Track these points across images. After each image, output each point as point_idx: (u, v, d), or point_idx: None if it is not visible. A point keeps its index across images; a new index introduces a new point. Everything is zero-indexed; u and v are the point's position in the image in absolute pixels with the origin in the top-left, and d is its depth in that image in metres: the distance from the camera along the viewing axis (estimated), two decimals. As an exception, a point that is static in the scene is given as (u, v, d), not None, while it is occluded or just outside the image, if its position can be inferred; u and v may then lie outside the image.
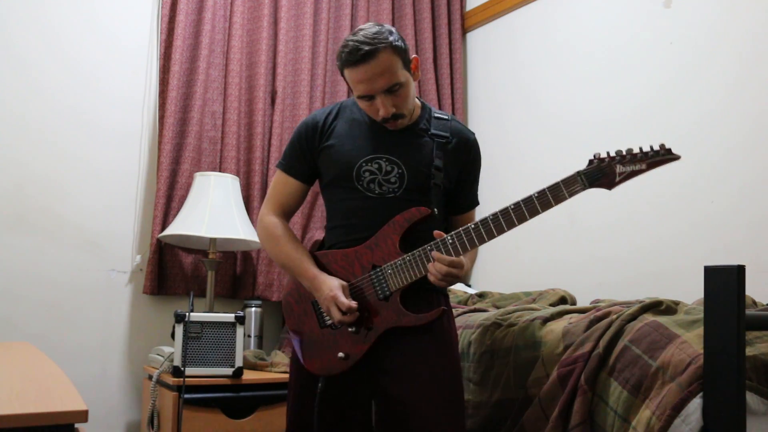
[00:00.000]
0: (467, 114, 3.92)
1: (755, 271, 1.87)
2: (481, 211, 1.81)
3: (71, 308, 2.98)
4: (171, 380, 2.62)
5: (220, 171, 3.21)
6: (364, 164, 1.83)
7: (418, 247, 1.74)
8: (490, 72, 3.81)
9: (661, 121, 2.87)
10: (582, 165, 1.64)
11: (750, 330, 1.54)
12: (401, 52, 1.75)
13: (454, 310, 2.40)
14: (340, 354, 1.79)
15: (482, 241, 1.70)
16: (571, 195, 1.62)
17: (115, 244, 3.09)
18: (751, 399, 1.50)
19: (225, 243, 3.05)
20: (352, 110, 1.92)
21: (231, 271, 3.24)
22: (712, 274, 1.47)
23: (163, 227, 3.06)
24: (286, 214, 1.96)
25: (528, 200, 1.65)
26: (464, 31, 3.97)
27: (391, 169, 1.82)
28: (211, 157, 3.25)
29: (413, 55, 1.82)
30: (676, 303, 1.90)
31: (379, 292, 1.78)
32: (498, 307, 2.54)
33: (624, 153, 1.59)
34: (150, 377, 2.76)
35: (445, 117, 1.93)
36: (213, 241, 2.94)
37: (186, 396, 2.57)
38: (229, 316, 2.74)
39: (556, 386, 1.79)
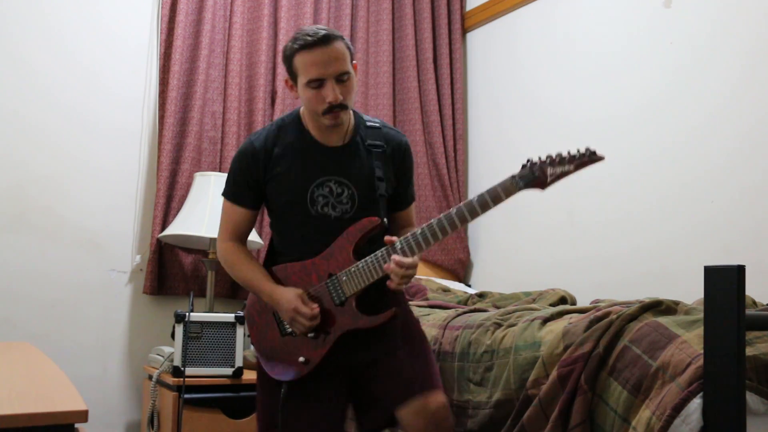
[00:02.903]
0: (467, 114, 3.92)
1: (755, 271, 1.87)
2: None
3: (71, 308, 2.98)
4: (171, 380, 2.62)
5: (220, 171, 3.21)
6: (315, 189, 1.88)
7: (369, 253, 1.82)
8: (490, 72, 3.81)
9: (661, 121, 2.87)
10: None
11: (750, 330, 1.54)
12: (350, 49, 1.84)
13: (453, 311, 2.42)
14: (301, 359, 1.87)
15: (428, 244, 1.79)
16: (507, 196, 1.76)
17: (115, 244, 3.10)
18: (751, 399, 1.50)
19: (225, 243, 3.05)
20: (288, 133, 1.93)
21: (231, 271, 3.24)
22: (712, 274, 1.47)
23: (163, 227, 3.06)
24: (241, 238, 2.02)
25: (468, 204, 1.76)
26: (464, 31, 3.97)
27: (342, 190, 1.89)
28: (211, 157, 3.25)
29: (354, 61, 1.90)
30: (676, 303, 1.89)
31: (335, 298, 1.85)
32: (498, 307, 2.54)
33: (553, 156, 1.72)
34: (150, 377, 2.76)
35: (377, 125, 1.98)
36: (213, 241, 2.94)
37: (186, 396, 2.57)
38: (229, 316, 2.74)
39: (556, 386, 1.79)
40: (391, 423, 1.89)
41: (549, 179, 1.73)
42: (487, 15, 3.81)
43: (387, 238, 1.80)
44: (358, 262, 1.82)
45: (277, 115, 3.39)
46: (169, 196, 3.12)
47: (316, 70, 1.78)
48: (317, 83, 1.79)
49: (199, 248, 3.13)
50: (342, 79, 1.80)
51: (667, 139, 2.84)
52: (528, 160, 1.74)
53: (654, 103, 2.90)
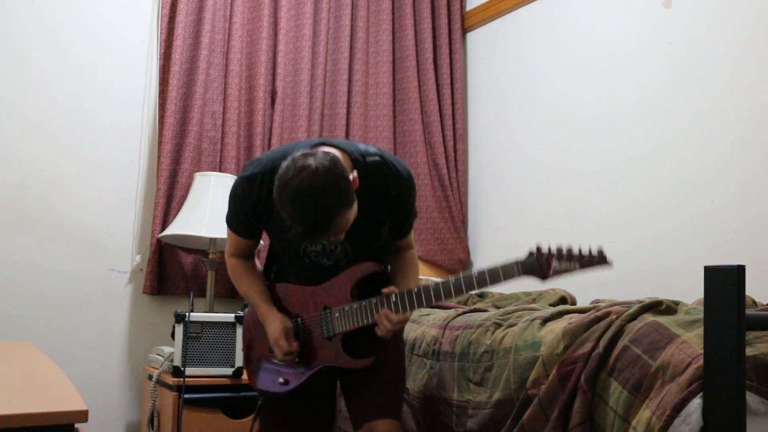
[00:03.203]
0: (467, 114, 3.92)
1: (755, 271, 1.87)
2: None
3: (72, 308, 2.98)
4: (171, 380, 2.62)
5: (220, 171, 3.21)
6: (308, 246, 1.92)
7: (367, 293, 1.87)
8: (489, 72, 3.81)
9: (661, 119, 2.87)
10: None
11: (750, 330, 1.54)
12: (351, 197, 1.67)
13: (453, 311, 2.42)
14: (280, 380, 1.95)
15: (421, 306, 1.82)
16: (506, 279, 1.76)
17: (115, 244, 3.10)
18: (751, 399, 1.50)
19: (225, 243, 3.04)
20: None
21: (231, 271, 3.24)
22: (712, 274, 1.47)
23: (163, 227, 3.06)
24: (245, 256, 2.07)
25: (468, 278, 1.78)
26: (464, 31, 3.97)
27: (335, 247, 1.91)
28: (211, 157, 3.25)
29: (353, 175, 1.71)
30: (676, 303, 1.89)
31: (325, 331, 1.93)
32: (498, 307, 2.54)
33: (563, 251, 1.72)
34: (150, 377, 2.76)
35: (377, 159, 1.86)
36: (213, 241, 2.94)
37: (186, 396, 2.57)
38: (229, 316, 2.74)
39: (556, 386, 1.79)
40: None
41: (551, 273, 1.73)
42: (487, 15, 3.81)
43: (384, 290, 1.84)
44: (353, 303, 1.87)
45: (277, 114, 3.39)
46: (169, 196, 3.12)
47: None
48: None
49: (199, 248, 3.13)
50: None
51: (666, 137, 2.84)
52: (537, 248, 1.74)
53: (654, 101, 2.91)
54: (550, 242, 1.73)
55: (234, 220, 1.97)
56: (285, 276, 2.02)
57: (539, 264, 1.73)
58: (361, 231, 1.87)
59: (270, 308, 1.96)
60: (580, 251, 1.71)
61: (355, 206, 1.73)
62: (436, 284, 1.81)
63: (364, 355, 1.90)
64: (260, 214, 1.89)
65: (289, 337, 1.92)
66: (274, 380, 1.97)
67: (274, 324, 1.93)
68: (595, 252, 1.70)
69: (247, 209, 1.89)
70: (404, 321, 1.85)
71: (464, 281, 1.78)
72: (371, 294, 1.86)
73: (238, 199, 1.90)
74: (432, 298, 1.81)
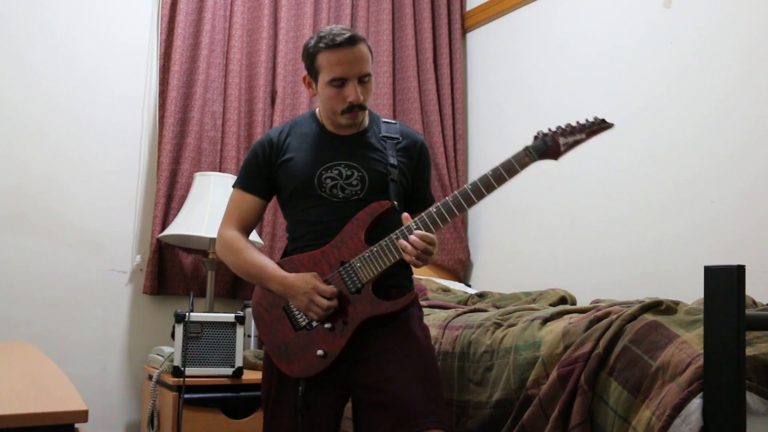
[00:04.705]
0: (467, 114, 3.92)
1: (755, 271, 1.87)
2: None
3: (71, 308, 2.98)
4: (171, 380, 2.62)
5: (220, 171, 3.21)
6: (324, 172, 1.88)
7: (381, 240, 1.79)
8: (489, 72, 3.81)
9: (661, 121, 2.87)
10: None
11: (750, 330, 1.54)
12: (371, 52, 1.88)
13: (453, 311, 2.42)
14: (319, 352, 1.80)
15: (445, 222, 1.77)
16: (522, 168, 1.75)
17: (115, 244, 3.10)
18: (751, 399, 1.50)
19: (225, 243, 3.04)
20: (302, 126, 1.97)
21: (231, 271, 3.22)
22: (712, 274, 1.47)
23: (163, 227, 3.06)
24: (245, 230, 1.98)
25: (483, 178, 1.75)
26: (464, 31, 3.97)
27: (351, 173, 1.88)
28: (211, 157, 3.25)
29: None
30: (676, 303, 1.89)
31: (351, 285, 1.80)
32: (498, 307, 2.54)
33: (564, 126, 1.74)
34: (150, 377, 2.76)
35: (393, 122, 2.02)
36: (213, 241, 2.94)
37: (186, 396, 2.57)
38: (229, 316, 2.74)
39: (556, 386, 1.79)
40: None
41: (562, 149, 1.73)
42: (487, 15, 3.81)
43: (405, 215, 1.77)
44: (372, 247, 1.78)
45: (277, 114, 3.39)
46: (169, 196, 3.12)
47: (340, 69, 1.80)
48: (340, 82, 1.82)
49: (199, 248, 3.13)
50: (363, 80, 1.84)
51: (666, 139, 2.84)
52: (539, 132, 1.74)
53: (654, 103, 2.90)
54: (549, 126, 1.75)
55: (245, 177, 1.95)
56: (297, 237, 1.92)
57: (547, 144, 1.73)
58: (375, 162, 1.89)
59: (286, 273, 1.83)
60: (579, 122, 1.72)
61: (373, 78, 1.87)
62: (454, 194, 1.75)
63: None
64: (281, 150, 1.92)
65: (323, 282, 1.80)
66: (311, 357, 1.80)
67: (302, 277, 1.80)
68: (594, 119, 1.72)
69: (268, 150, 1.92)
70: (434, 243, 1.73)
71: (481, 182, 1.74)
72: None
73: (260, 145, 1.95)
74: (453, 209, 1.74)
